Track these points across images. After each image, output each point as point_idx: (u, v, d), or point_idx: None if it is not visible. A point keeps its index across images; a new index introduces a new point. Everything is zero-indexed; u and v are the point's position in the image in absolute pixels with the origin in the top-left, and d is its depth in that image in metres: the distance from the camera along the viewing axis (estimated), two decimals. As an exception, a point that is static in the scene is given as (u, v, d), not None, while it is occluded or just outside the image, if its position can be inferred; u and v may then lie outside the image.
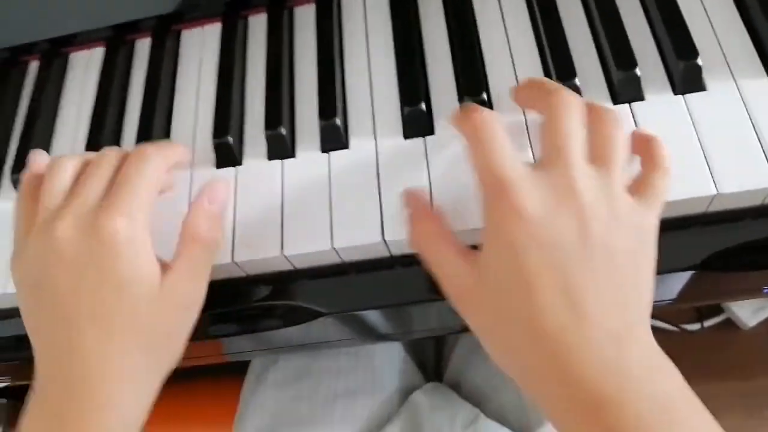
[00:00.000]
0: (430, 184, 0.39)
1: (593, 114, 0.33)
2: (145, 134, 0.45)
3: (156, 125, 0.45)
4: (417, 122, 0.41)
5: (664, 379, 0.30)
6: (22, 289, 0.36)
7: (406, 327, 0.46)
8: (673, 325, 1.12)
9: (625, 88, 0.39)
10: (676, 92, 0.39)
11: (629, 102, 0.39)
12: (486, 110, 0.33)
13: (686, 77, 0.38)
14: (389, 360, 0.63)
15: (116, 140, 0.47)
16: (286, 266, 0.40)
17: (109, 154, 0.37)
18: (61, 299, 0.34)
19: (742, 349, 1.13)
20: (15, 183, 0.46)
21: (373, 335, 0.48)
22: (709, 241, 0.38)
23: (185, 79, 0.48)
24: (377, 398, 0.59)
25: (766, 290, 0.45)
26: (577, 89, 0.39)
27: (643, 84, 0.39)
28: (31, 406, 0.35)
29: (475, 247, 0.33)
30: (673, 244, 0.38)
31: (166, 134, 0.46)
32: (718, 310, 1.17)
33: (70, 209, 0.34)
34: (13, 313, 0.45)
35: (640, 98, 0.39)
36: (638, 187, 0.32)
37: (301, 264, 0.40)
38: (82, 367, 0.33)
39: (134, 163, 0.35)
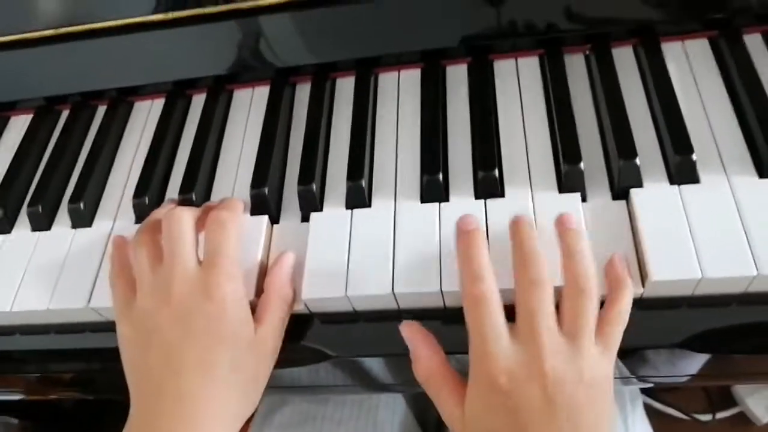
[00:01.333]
0: (440, 242, 0.43)
1: (571, 285, 0.38)
2: (190, 179, 0.50)
3: (201, 173, 0.51)
4: (433, 190, 0.45)
5: None
6: (130, 340, 0.42)
7: (406, 378, 0.49)
8: (684, 413, 1.11)
9: (625, 176, 0.43)
10: (672, 182, 0.43)
11: (628, 188, 0.43)
12: (487, 284, 0.38)
13: (681, 170, 0.42)
14: (392, 415, 0.65)
15: (165, 183, 0.52)
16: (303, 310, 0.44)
17: (185, 217, 0.42)
18: (168, 348, 0.39)
19: (754, 445, 1.11)
20: (71, 213, 0.52)
21: (375, 384, 0.51)
22: (697, 321, 0.41)
23: (233, 131, 0.54)
24: None
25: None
26: (581, 177, 0.44)
27: (643, 173, 0.43)
28: None
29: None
30: (661, 321, 0.41)
31: (209, 181, 0.51)
32: (731, 402, 1.16)
33: (175, 271, 0.40)
34: (36, 330, 0.50)
35: (639, 185, 0.43)
36: (601, 336, 0.38)
37: (315, 309, 0.44)
38: (187, 409, 0.38)
39: (218, 230, 0.42)
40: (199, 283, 0.40)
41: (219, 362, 0.39)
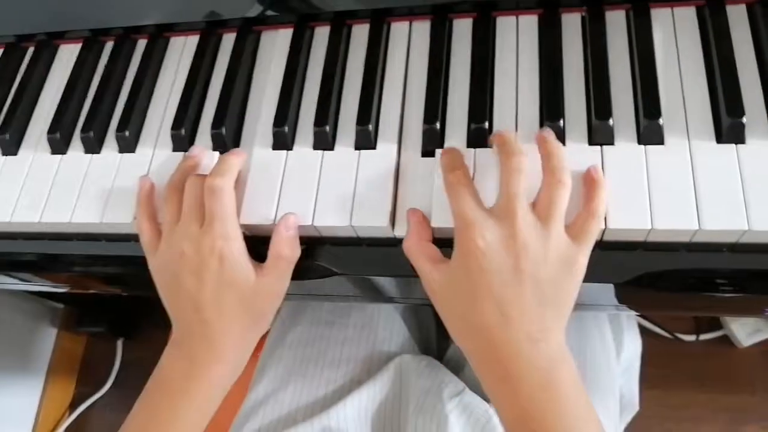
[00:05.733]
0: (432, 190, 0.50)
1: (547, 175, 0.45)
2: (221, 114, 0.57)
3: (231, 110, 0.57)
4: (433, 138, 0.52)
5: (560, 368, 0.44)
6: (160, 280, 0.53)
7: (402, 293, 0.57)
8: (668, 332, 1.20)
9: (599, 134, 0.49)
10: (639, 143, 0.48)
11: (601, 144, 0.49)
12: (462, 170, 0.46)
13: (648, 132, 0.48)
14: (390, 335, 0.73)
15: (198, 116, 0.59)
16: (314, 233, 0.52)
17: (195, 188, 0.51)
18: (189, 292, 0.50)
19: (734, 366, 1.21)
20: (118, 140, 0.59)
21: (373, 295, 0.60)
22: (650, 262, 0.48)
23: (260, 72, 0.60)
24: (374, 367, 0.70)
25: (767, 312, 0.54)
26: (562, 130, 0.49)
27: (616, 132, 0.49)
28: (172, 347, 0.53)
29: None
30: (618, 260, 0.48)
31: (240, 116, 0.58)
32: (717, 325, 1.24)
33: (187, 232, 0.50)
34: (89, 236, 0.59)
35: (611, 143, 0.49)
36: (574, 229, 0.44)
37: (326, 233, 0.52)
38: (207, 332, 0.51)
39: (210, 197, 0.50)
40: (202, 244, 0.49)
41: (228, 303, 0.50)
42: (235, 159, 0.53)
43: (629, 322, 0.80)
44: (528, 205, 0.44)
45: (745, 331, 1.19)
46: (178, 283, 0.51)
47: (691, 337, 1.22)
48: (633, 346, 0.80)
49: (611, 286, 0.49)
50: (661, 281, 0.49)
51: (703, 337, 1.22)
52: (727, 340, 1.23)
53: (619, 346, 0.76)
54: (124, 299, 1.48)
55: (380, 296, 0.61)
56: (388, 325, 0.74)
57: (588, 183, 0.46)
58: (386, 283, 0.58)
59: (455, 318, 0.46)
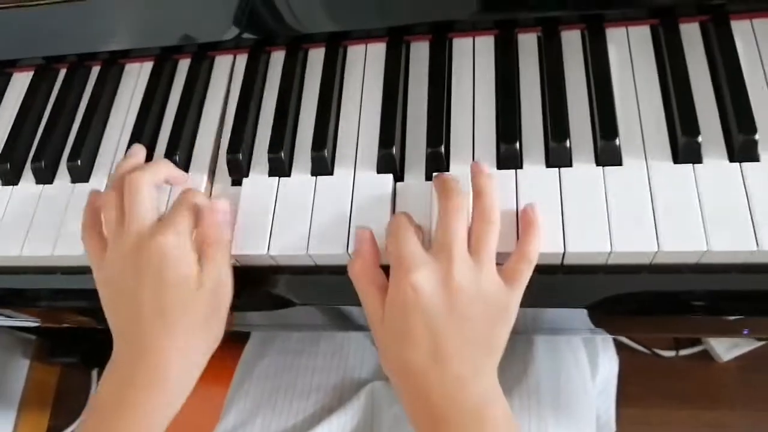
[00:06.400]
0: (393, 213, 0.49)
1: (477, 215, 0.45)
2: (174, 141, 0.56)
3: (184, 136, 0.56)
4: (388, 163, 0.50)
5: (492, 407, 0.43)
6: (104, 294, 0.49)
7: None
8: (647, 348, 1.19)
9: (556, 156, 0.48)
10: (598, 164, 0.47)
11: (559, 167, 0.48)
12: (401, 214, 0.46)
13: (605, 153, 0.47)
14: (360, 363, 0.72)
15: (154, 142, 0.58)
16: (270, 262, 0.51)
17: (142, 184, 0.48)
18: (130, 297, 0.47)
19: (714, 381, 1.20)
20: (70, 169, 0.57)
21: (342, 324, 0.58)
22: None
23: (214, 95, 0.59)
24: (345, 395, 0.68)
25: (746, 332, 0.53)
26: (519, 153, 0.49)
27: (573, 154, 0.48)
28: (109, 371, 0.48)
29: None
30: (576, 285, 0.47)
31: (191, 143, 0.57)
32: (696, 340, 1.23)
33: (130, 231, 0.47)
34: (51, 270, 0.56)
35: (569, 165, 0.48)
36: (507, 271, 0.44)
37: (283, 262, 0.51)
38: (146, 345, 0.46)
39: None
40: (144, 241, 0.46)
41: (170, 306, 0.46)
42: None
43: (605, 341, 0.80)
44: (464, 242, 0.43)
45: (724, 345, 1.19)
46: (119, 290, 0.48)
47: (671, 353, 1.21)
48: (609, 365, 0.79)
49: (581, 310, 0.48)
50: (627, 304, 0.48)
51: (683, 352, 1.22)
52: (706, 355, 1.22)
53: (595, 368, 0.75)
54: (98, 329, 1.45)
55: (350, 324, 0.59)
56: (358, 352, 0.73)
57: (524, 223, 0.45)
58: (354, 311, 0.57)
59: (389, 354, 0.45)
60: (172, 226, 0.47)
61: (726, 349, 1.18)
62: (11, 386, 1.43)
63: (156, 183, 0.50)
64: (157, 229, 0.47)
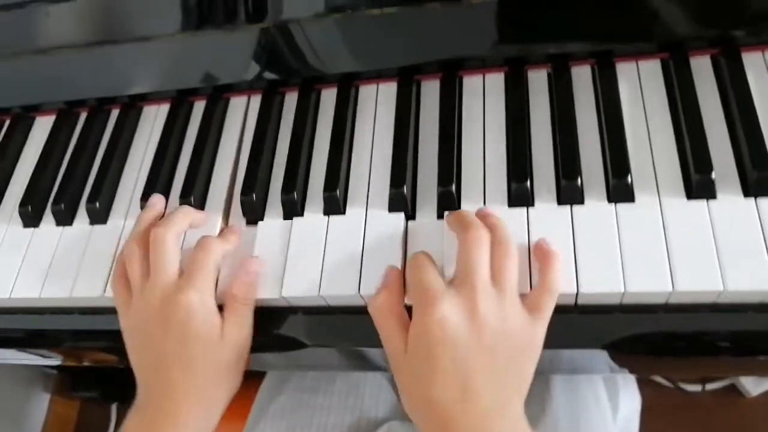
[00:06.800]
0: (404, 252, 0.49)
1: (495, 247, 0.44)
2: (189, 184, 0.57)
3: (199, 179, 0.57)
4: (399, 202, 0.51)
5: None
6: (130, 342, 0.51)
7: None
8: (671, 383, 1.16)
9: (568, 194, 0.48)
10: (610, 201, 0.47)
11: (571, 204, 0.47)
12: (421, 252, 0.46)
13: (617, 190, 0.47)
14: (378, 402, 0.71)
15: (169, 184, 0.59)
16: (284, 303, 0.51)
17: (167, 239, 0.50)
18: (156, 347, 0.49)
19: (743, 417, 1.16)
20: (88, 211, 0.58)
21: (358, 364, 0.58)
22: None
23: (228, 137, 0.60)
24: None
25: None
26: (530, 191, 0.48)
27: (585, 191, 0.48)
28: (132, 414, 0.49)
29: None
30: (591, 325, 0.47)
31: (206, 186, 0.58)
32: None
33: (156, 285, 0.49)
34: (71, 310, 0.57)
35: (580, 202, 0.47)
36: (531, 303, 0.43)
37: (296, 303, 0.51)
38: (169, 393, 0.48)
39: (198, 253, 0.50)
40: (170, 296, 0.48)
41: (194, 356, 0.48)
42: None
43: (625, 377, 0.78)
44: (488, 276, 0.43)
45: (752, 380, 1.15)
46: (144, 339, 0.49)
47: (697, 387, 1.18)
48: (631, 403, 0.77)
49: (599, 351, 0.47)
50: (645, 344, 0.47)
51: (709, 387, 1.18)
52: (734, 390, 1.18)
53: (615, 406, 0.73)
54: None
55: (365, 364, 0.59)
56: (374, 391, 0.72)
57: (540, 257, 0.45)
58: (369, 352, 0.56)
59: (412, 390, 0.44)
60: (198, 283, 0.48)
61: (755, 383, 1.15)
62: (33, 419, 1.44)
63: (178, 234, 0.52)
64: (182, 283, 0.48)
